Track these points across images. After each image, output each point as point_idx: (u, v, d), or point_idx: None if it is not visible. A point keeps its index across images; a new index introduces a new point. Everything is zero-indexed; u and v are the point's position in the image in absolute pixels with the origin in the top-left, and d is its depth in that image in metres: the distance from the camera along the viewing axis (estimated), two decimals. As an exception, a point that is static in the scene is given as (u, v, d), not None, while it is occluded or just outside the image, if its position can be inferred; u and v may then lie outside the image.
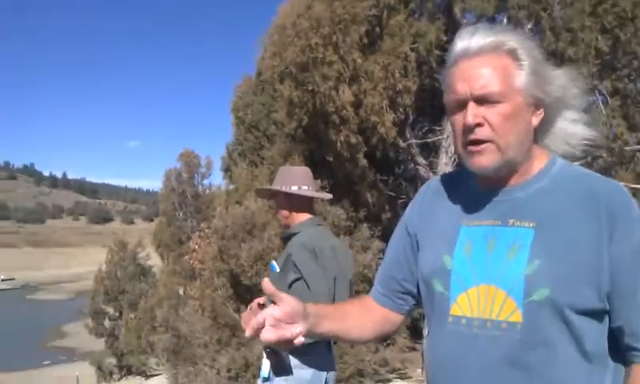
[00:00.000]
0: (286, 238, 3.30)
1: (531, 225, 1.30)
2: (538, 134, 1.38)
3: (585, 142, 1.43)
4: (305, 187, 3.29)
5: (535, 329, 1.25)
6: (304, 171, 3.47)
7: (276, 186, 3.32)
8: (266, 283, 1.30)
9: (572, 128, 1.41)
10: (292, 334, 1.27)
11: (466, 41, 1.32)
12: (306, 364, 3.06)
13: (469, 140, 1.31)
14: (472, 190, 1.43)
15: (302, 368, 3.05)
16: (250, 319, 1.27)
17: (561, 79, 1.36)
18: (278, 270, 3.16)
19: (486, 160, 1.31)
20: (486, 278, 1.31)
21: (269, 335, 1.25)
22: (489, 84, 1.28)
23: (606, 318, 1.30)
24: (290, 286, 3.05)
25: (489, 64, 1.29)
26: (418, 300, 1.58)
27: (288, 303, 1.29)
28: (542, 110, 1.34)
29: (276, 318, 1.26)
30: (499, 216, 1.35)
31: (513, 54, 1.30)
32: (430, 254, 1.45)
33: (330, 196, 4.05)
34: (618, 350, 1.33)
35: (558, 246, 1.27)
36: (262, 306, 1.37)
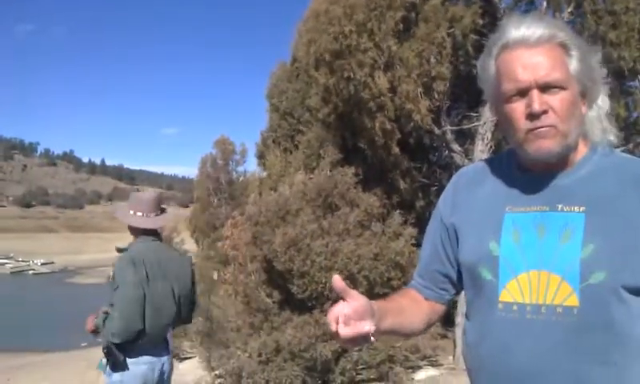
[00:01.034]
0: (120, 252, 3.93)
1: (581, 209, 1.32)
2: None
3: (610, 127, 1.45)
4: (139, 213, 3.85)
5: (592, 312, 1.27)
6: (144, 198, 4.04)
7: (119, 212, 4.01)
8: (336, 279, 1.33)
9: (604, 113, 1.44)
10: (366, 329, 1.30)
11: (521, 29, 1.34)
12: (140, 359, 3.69)
13: (533, 127, 1.33)
14: (512, 177, 1.44)
15: (138, 365, 3.69)
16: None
17: (598, 70, 1.40)
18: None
19: (550, 144, 1.33)
20: (537, 263, 1.33)
21: (346, 331, 1.28)
22: (553, 72, 1.31)
23: None
24: (115, 291, 3.64)
25: (549, 53, 1.33)
26: (459, 288, 1.61)
27: (357, 300, 1.32)
28: (586, 99, 1.38)
29: (346, 315, 1.30)
30: (547, 202, 1.37)
31: (564, 45, 1.34)
32: (473, 241, 1.46)
33: (162, 223, 4.23)
34: None
35: (610, 228, 1.29)
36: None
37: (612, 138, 1.45)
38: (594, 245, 1.28)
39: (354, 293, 1.33)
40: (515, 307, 1.34)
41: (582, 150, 1.41)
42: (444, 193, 1.62)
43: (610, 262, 1.27)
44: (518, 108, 1.34)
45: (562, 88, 1.32)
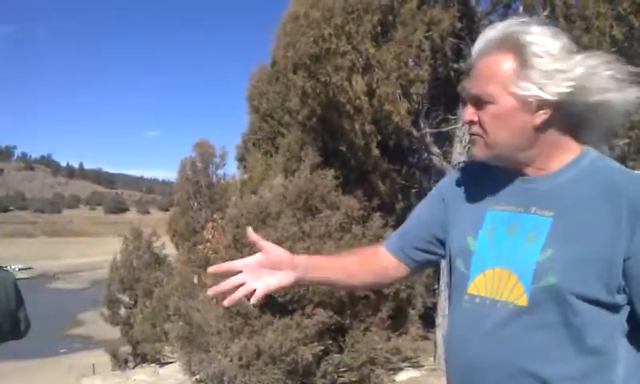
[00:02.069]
0: None
1: (550, 214, 1.34)
2: (574, 129, 1.39)
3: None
4: None
5: (538, 313, 1.31)
6: None
7: None
8: (250, 232, 1.53)
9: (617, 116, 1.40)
10: (261, 285, 1.48)
11: (481, 38, 1.40)
12: None
13: (469, 133, 1.46)
14: (500, 177, 1.48)
15: None
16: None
17: (581, 69, 1.31)
18: None
19: (476, 151, 1.44)
20: (502, 261, 1.38)
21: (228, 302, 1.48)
22: (480, 86, 1.37)
23: (622, 313, 1.32)
24: None
25: (489, 65, 1.36)
26: (432, 259, 1.69)
27: (270, 251, 1.51)
28: (546, 109, 1.33)
29: (260, 263, 1.50)
30: (523, 203, 1.40)
31: (519, 52, 1.31)
32: (457, 234, 1.52)
33: None
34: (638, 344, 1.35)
35: (573, 236, 1.30)
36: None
37: (610, 143, 1.50)
38: (552, 250, 1.31)
39: (268, 245, 1.52)
40: (478, 300, 1.40)
41: (574, 153, 1.39)
42: (449, 175, 1.69)
43: (564, 268, 1.28)
44: None
45: (490, 102, 1.36)
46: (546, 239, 1.33)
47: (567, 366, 1.30)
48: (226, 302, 1.49)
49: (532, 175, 1.41)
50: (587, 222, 1.30)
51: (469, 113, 1.42)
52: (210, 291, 1.52)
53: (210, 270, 1.51)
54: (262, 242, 1.53)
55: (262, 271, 1.51)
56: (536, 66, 1.30)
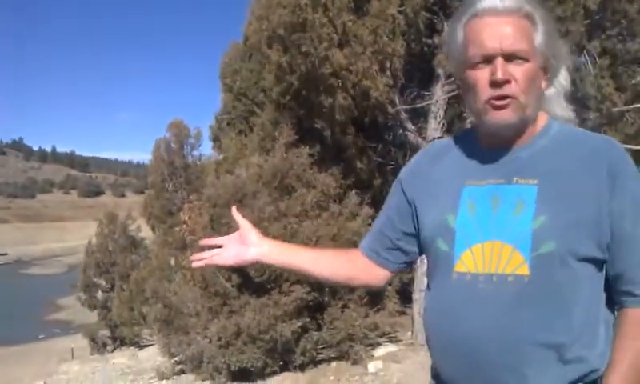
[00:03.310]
0: None
1: (535, 182, 1.36)
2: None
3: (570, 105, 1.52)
4: None
5: (542, 280, 1.32)
6: None
7: None
8: (234, 210, 1.80)
9: (563, 90, 1.50)
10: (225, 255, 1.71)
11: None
12: None
13: (494, 95, 1.34)
14: (474, 151, 1.48)
15: None
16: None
17: (561, 46, 1.45)
18: None
19: (509, 115, 1.35)
20: (491, 234, 1.37)
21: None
22: (519, 42, 1.33)
23: (604, 269, 1.39)
24: None
25: (516, 23, 1.34)
26: (407, 259, 1.66)
27: (243, 228, 1.72)
28: (548, 74, 1.42)
29: (235, 239, 1.72)
30: (503, 175, 1.41)
31: (530, 17, 1.36)
32: (432, 214, 1.49)
33: None
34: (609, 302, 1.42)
35: (561, 200, 1.33)
36: None
37: (570, 114, 1.50)
38: (544, 216, 1.32)
39: (244, 222, 1.73)
40: (469, 277, 1.39)
41: (540, 124, 1.44)
42: (408, 164, 1.66)
43: (559, 232, 1.31)
44: (481, 75, 1.36)
45: (526, 60, 1.34)
46: (536, 206, 1.34)
47: (572, 331, 1.33)
48: (195, 264, 1.76)
49: (514, 145, 1.41)
50: (572, 186, 1.35)
51: (504, 71, 1.33)
52: (192, 258, 1.76)
53: (203, 242, 1.76)
54: (240, 220, 1.72)
55: (230, 246, 1.71)
56: (546, 32, 1.38)
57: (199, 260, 1.74)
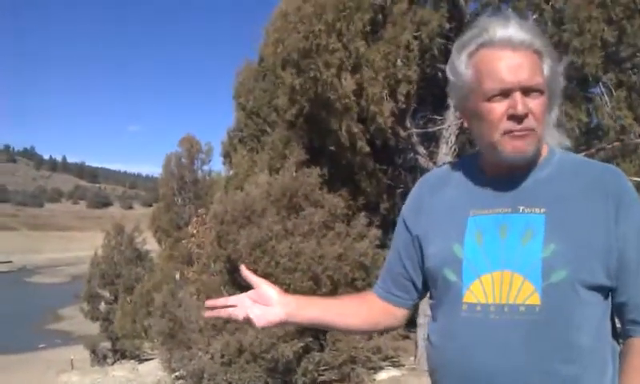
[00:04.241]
0: None
1: (542, 210, 1.35)
2: None
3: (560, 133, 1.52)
4: None
5: (554, 309, 1.31)
6: None
7: None
8: (243, 268, 1.62)
9: (554, 119, 1.49)
10: (251, 315, 1.55)
11: (508, 30, 1.36)
12: None
13: (515, 129, 1.34)
14: (477, 180, 1.47)
15: None
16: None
17: (561, 76, 1.45)
18: None
19: (527, 147, 1.35)
20: (500, 264, 1.35)
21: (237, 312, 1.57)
22: (535, 76, 1.34)
23: (609, 297, 1.37)
24: None
25: (530, 57, 1.35)
26: (422, 294, 1.63)
27: (261, 287, 1.58)
28: (551, 104, 1.43)
29: (252, 298, 1.57)
30: (509, 204, 1.39)
31: (539, 52, 1.37)
32: (438, 245, 1.47)
33: None
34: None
35: (570, 228, 1.33)
36: None
37: (566, 142, 1.50)
38: (554, 244, 1.31)
39: (260, 281, 1.60)
40: (479, 308, 1.36)
41: (542, 153, 1.44)
42: (408, 198, 1.64)
43: (570, 260, 1.30)
44: (498, 108, 1.35)
45: (541, 92, 1.35)
46: (545, 235, 1.33)
47: (583, 360, 1.32)
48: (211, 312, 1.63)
49: (519, 173, 1.41)
50: (579, 214, 1.34)
51: (524, 104, 1.33)
52: (207, 314, 1.63)
53: (208, 303, 1.62)
54: (254, 278, 1.60)
55: (254, 306, 1.57)
56: (552, 66, 1.39)
57: (219, 309, 1.61)
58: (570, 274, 1.30)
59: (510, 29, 1.36)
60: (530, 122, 1.33)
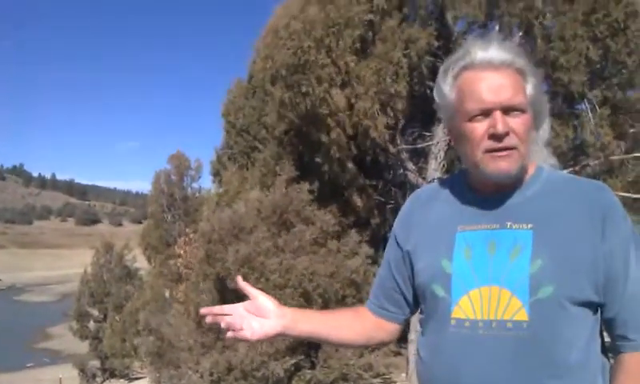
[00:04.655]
0: None
1: (529, 226, 1.36)
2: None
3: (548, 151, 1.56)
4: None
5: (541, 325, 1.31)
6: None
7: None
8: (239, 279, 1.58)
9: (544, 138, 1.53)
10: (245, 327, 1.52)
11: (489, 52, 1.38)
12: None
13: (495, 147, 1.35)
14: (465, 197, 1.48)
15: None
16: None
17: (545, 95, 1.49)
18: None
19: (510, 165, 1.36)
20: (488, 279, 1.36)
21: (230, 335, 1.53)
22: (516, 95, 1.36)
23: (598, 313, 1.38)
24: None
25: (511, 77, 1.37)
26: (413, 309, 1.63)
27: (257, 299, 1.55)
28: (535, 123, 1.44)
29: (247, 309, 1.54)
30: (497, 220, 1.40)
31: (522, 71, 1.39)
32: (427, 260, 1.47)
33: None
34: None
35: (557, 244, 1.33)
36: None
37: (552, 161, 1.53)
38: (541, 260, 1.32)
39: (256, 293, 1.56)
40: (467, 323, 1.36)
41: (530, 170, 1.45)
42: (399, 214, 1.65)
43: (557, 276, 1.31)
44: (479, 128, 1.37)
45: (523, 111, 1.36)
46: (533, 251, 1.34)
47: (572, 376, 1.32)
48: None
49: (507, 191, 1.42)
50: (566, 230, 1.35)
51: (504, 123, 1.34)
52: (208, 320, 1.57)
53: (202, 311, 1.58)
54: (251, 290, 1.57)
55: (250, 317, 1.55)
56: (535, 85, 1.41)
57: (214, 317, 1.57)
58: (557, 289, 1.30)
59: (490, 50, 1.38)
60: (511, 141, 1.35)
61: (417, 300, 1.59)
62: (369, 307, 1.67)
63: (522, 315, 1.31)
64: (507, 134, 1.34)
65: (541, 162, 1.49)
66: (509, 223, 1.38)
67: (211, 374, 8.40)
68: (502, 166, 1.36)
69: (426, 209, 1.55)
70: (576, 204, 1.38)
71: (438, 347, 1.43)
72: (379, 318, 1.65)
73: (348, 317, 1.70)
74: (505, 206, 1.41)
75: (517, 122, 1.35)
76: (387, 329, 1.67)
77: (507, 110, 1.35)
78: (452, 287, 1.40)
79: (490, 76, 1.36)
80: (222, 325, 1.54)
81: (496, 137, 1.34)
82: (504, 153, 1.35)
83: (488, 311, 1.35)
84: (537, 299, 1.31)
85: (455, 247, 1.42)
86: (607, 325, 1.39)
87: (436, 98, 1.48)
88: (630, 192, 7.91)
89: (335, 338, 1.68)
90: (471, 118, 1.37)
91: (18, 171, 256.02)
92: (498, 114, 1.34)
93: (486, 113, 1.35)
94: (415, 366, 1.59)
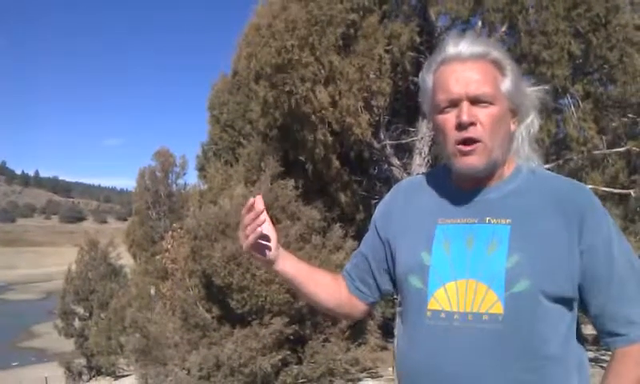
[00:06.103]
0: None
1: (507, 221, 1.39)
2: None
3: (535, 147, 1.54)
4: None
5: (516, 319, 1.33)
6: None
7: None
8: (259, 198, 1.54)
9: (532, 134, 1.52)
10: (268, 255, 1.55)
11: (458, 46, 1.42)
12: None
13: (461, 138, 1.38)
14: (447, 190, 1.50)
15: None
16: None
17: (529, 91, 1.48)
18: None
19: (476, 160, 1.38)
20: (465, 272, 1.38)
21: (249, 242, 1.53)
22: (483, 86, 1.38)
23: (575, 308, 1.41)
24: None
25: (480, 69, 1.39)
26: (382, 295, 1.67)
27: (266, 223, 1.55)
28: (517, 117, 1.45)
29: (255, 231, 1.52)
30: (476, 214, 1.43)
31: (497, 63, 1.41)
32: (406, 252, 1.50)
33: None
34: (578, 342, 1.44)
35: (534, 240, 1.36)
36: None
37: (536, 156, 1.52)
38: (518, 255, 1.35)
39: (265, 217, 1.54)
40: (443, 315, 1.39)
41: (511, 165, 1.47)
42: (381, 202, 1.68)
43: (533, 271, 1.33)
44: (449, 119, 1.40)
45: (491, 103, 1.38)
46: (509, 246, 1.36)
47: (546, 368, 1.34)
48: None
49: (486, 186, 1.44)
50: (543, 227, 1.37)
51: (469, 114, 1.37)
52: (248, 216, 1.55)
53: (250, 202, 1.54)
54: (264, 214, 1.55)
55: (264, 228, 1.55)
56: (513, 78, 1.43)
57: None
58: (533, 284, 1.33)
59: (460, 45, 1.41)
60: (476, 132, 1.37)
61: (388, 287, 1.63)
62: (347, 284, 1.70)
63: (498, 308, 1.34)
64: (473, 124, 1.37)
65: (523, 157, 1.50)
66: (487, 218, 1.41)
67: (200, 370, 8.40)
68: (468, 161, 1.39)
69: (408, 199, 1.58)
70: (554, 203, 1.40)
71: (414, 338, 1.46)
72: (352, 294, 1.68)
73: (327, 279, 1.71)
74: (485, 200, 1.44)
75: (484, 113, 1.37)
76: (356, 305, 1.69)
77: (474, 101, 1.37)
78: (429, 279, 1.42)
79: (458, 68, 1.40)
80: (254, 235, 1.53)
81: (461, 126, 1.37)
82: (469, 147, 1.38)
83: (464, 304, 1.37)
84: (512, 293, 1.33)
85: (434, 240, 1.45)
86: (595, 321, 1.41)
87: (420, 95, 1.52)
88: (611, 187, 8.02)
89: (311, 291, 1.68)
90: (441, 110, 1.41)
91: (1, 169, 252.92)
92: (464, 104, 1.37)
93: (454, 103, 1.39)
94: (396, 355, 1.62)
